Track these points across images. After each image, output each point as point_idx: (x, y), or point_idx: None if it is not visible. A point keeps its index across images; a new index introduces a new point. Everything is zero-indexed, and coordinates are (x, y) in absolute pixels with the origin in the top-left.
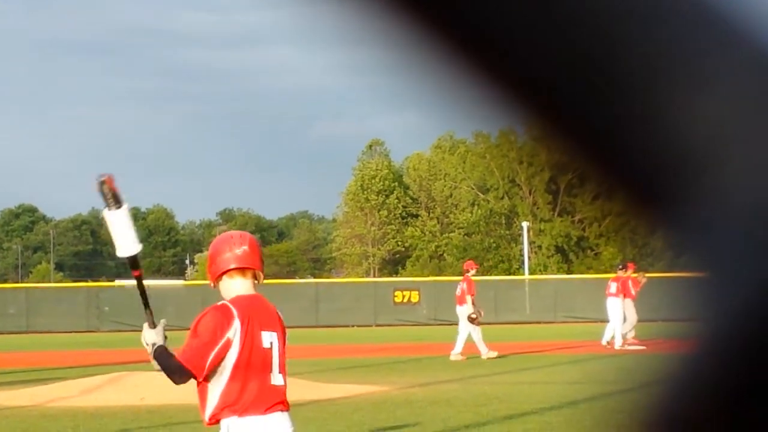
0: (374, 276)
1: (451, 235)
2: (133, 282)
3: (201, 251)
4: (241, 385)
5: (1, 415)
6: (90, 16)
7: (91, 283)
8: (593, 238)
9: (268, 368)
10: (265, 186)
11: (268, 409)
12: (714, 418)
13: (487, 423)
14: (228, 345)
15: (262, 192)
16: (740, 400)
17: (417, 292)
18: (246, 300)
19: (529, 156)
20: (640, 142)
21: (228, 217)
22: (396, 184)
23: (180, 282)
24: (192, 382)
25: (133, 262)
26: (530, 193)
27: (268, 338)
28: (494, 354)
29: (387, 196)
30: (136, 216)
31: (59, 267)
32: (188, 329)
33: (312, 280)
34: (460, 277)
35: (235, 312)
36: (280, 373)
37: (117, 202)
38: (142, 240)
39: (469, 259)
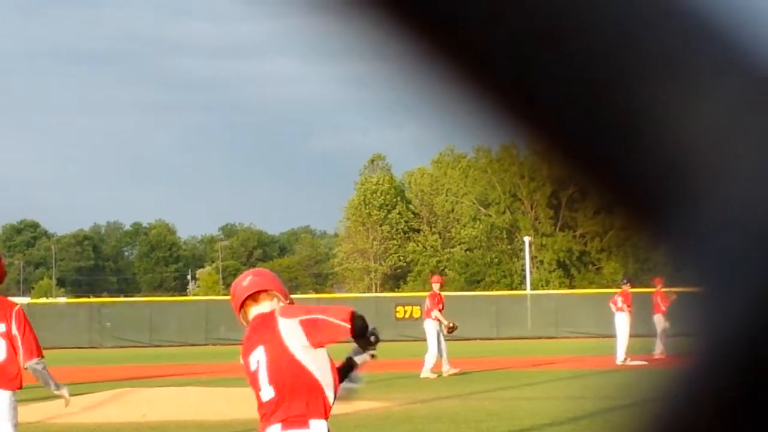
0: (376, 291)
1: (453, 250)
2: (134, 298)
3: (203, 266)
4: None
5: None
6: (91, 27)
7: (93, 299)
8: (595, 252)
9: (258, 387)
10: (267, 201)
11: (265, 425)
12: None
13: None
14: None
15: (264, 207)
16: (740, 415)
17: (419, 308)
18: (250, 325)
19: (531, 171)
20: (640, 155)
21: (230, 233)
22: (398, 198)
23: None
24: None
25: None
26: (532, 208)
27: (255, 359)
28: (434, 376)
29: (389, 211)
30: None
31: (61, 283)
32: (190, 345)
33: (314, 295)
34: (462, 293)
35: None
36: (270, 385)
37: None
38: (143, 255)
39: (434, 274)
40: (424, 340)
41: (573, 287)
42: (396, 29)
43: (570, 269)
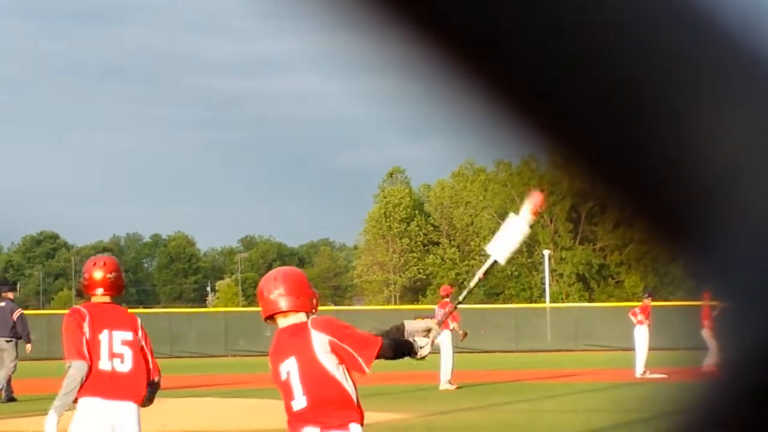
0: (395, 303)
1: (472, 262)
2: (154, 310)
3: (222, 278)
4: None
5: None
6: (112, 44)
7: None
8: (614, 266)
9: (291, 396)
10: (287, 213)
11: (299, 429)
12: None
13: None
14: None
15: (284, 219)
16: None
17: None
18: (280, 333)
19: (551, 184)
20: (664, 169)
21: (249, 245)
22: (417, 211)
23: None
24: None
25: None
26: (551, 221)
27: (286, 369)
28: (452, 387)
29: (408, 224)
30: (158, 243)
31: (80, 294)
32: (209, 356)
33: (333, 307)
34: (481, 306)
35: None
36: (304, 395)
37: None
38: (162, 266)
39: (445, 285)
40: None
41: (592, 300)
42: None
43: (590, 282)
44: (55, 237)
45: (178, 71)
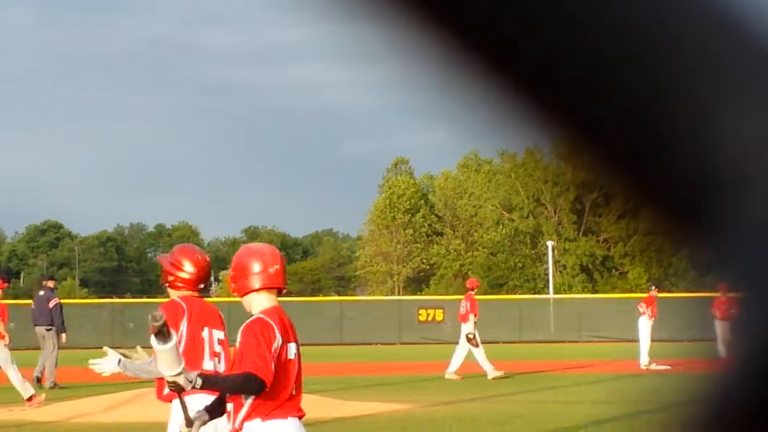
0: (399, 294)
1: (476, 253)
2: (158, 299)
3: (225, 268)
4: (272, 391)
5: (26, 431)
6: (115, 33)
7: (116, 300)
8: (618, 257)
9: (291, 377)
10: (290, 204)
11: (289, 415)
12: None
13: None
14: (275, 354)
15: (287, 210)
16: None
17: (441, 311)
18: (276, 312)
19: (555, 175)
20: (673, 158)
21: (253, 235)
22: (422, 202)
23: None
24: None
25: (175, 384)
26: (555, 213)
27: (293, 349)
28: (500, 373)
29: (413, 215)
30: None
31: (84, 283)
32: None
33: (336, 297)
34: (486, 297)
35: (274, 324)
36: (294, 383)
37: (165, 338)
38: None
39: (472, 277)
40: (446, 342)
41: (596, 292)
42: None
43: (593, 274)
44: (59, 226)
45: (182, 60)
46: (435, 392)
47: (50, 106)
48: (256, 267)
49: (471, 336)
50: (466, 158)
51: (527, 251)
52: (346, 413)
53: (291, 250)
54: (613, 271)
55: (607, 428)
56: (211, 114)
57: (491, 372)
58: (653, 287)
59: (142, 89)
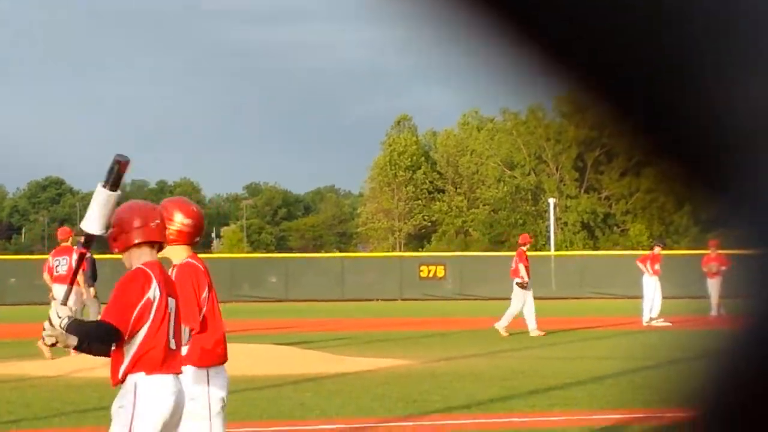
0: (400, 251)
1: (477, 210)
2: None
3: (227, 225)
4: (153, 345)
5: (26, 385)
6: None
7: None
8: (620, 215)
9: (167, 331)
10: (292, 160)
11: (169, 370)
12: (760, 396)
13: (512, 397)
14: (149, 306)
15: (289, 166)
16: None
17: (443, 267)
18: (156, 266)
19: (557, 133)
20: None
21: (254, 191)
22: (423, 159)
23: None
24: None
25: (89, 241)
26: (557, 170)
27: (172, 304)
28: (541, 333)
29: (414, 172)
30: (163, 189)
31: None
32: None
33: (338, 254)
34: (486, 253)
35: (153, 276)
36: (173, 338)
37: (115, 185)
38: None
39: (523, 233)
40: (447, 299)
41: (597, 249)
42: None
43: (594, 231)
44: (60, 182)
45: (185, 19)
46: (436, 348)
47: (53, 61)
48: (137, 222)
49: (519, 281)
50: (467, 116)
51: (528, 208)
52: (348, 369)
53: (293, 206)
54: (615, 228)
55: (607, 383)
56: (214, 71)
57: (533, 329)
58: (657, 245)
59: (145, 47)
